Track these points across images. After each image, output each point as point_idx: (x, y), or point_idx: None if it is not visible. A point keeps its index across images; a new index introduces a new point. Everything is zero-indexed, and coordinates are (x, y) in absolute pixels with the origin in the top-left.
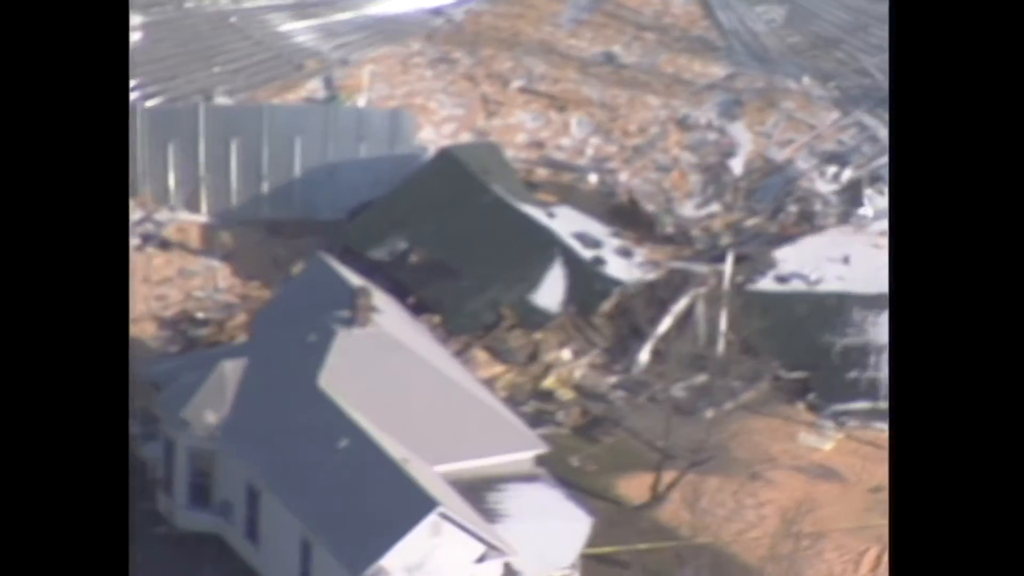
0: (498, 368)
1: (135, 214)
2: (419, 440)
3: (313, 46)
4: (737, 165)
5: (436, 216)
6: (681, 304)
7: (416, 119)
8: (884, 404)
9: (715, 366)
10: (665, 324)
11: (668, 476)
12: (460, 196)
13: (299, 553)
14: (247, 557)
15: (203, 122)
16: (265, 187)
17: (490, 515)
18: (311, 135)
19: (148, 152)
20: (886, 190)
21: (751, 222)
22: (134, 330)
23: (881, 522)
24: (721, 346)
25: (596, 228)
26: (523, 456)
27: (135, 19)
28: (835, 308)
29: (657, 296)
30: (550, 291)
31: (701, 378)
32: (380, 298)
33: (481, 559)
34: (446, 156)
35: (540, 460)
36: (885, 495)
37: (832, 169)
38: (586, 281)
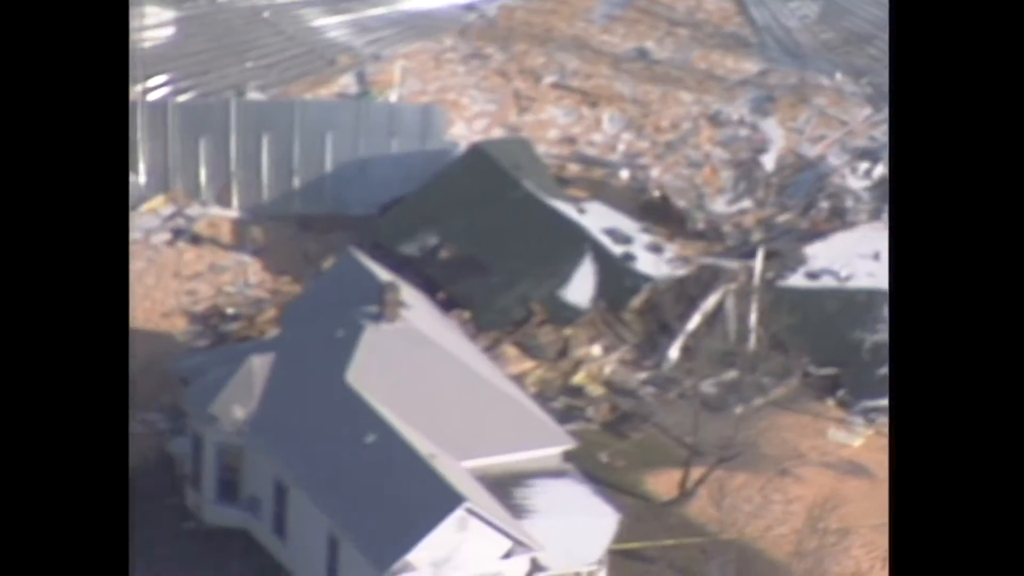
0: (528, 364)
1: (166, 209)
2: (446, 435)
3: (346, 41)
4: (769, 161)
5: (467, 212)
6: (711, 300)
7: (447, 115)
8: None
9: (745, 362)
10: (695, 320)
11: (696, 472)
12: (491, 192)
13: (326, 548)
14: (275, 552)
15: (235, 117)
16: (296, 182)
17: (517, 511)
18: (342, 130)
19: (180, 147)
20: None
21: (782, 218)
22: (164, 325)
23: None
24: (751, 342)
25: (627, 224)
26: (551, 452)
27: (168, 14)
28: (865, 304)
29: (687, 292)
30: (580, 287)
31: (731, 374)
32: (409, 293)
33: (508, 555)
34: (477, 152)
35: (568, 456)
36: None
37: (864, 165)
38: (616, 277)
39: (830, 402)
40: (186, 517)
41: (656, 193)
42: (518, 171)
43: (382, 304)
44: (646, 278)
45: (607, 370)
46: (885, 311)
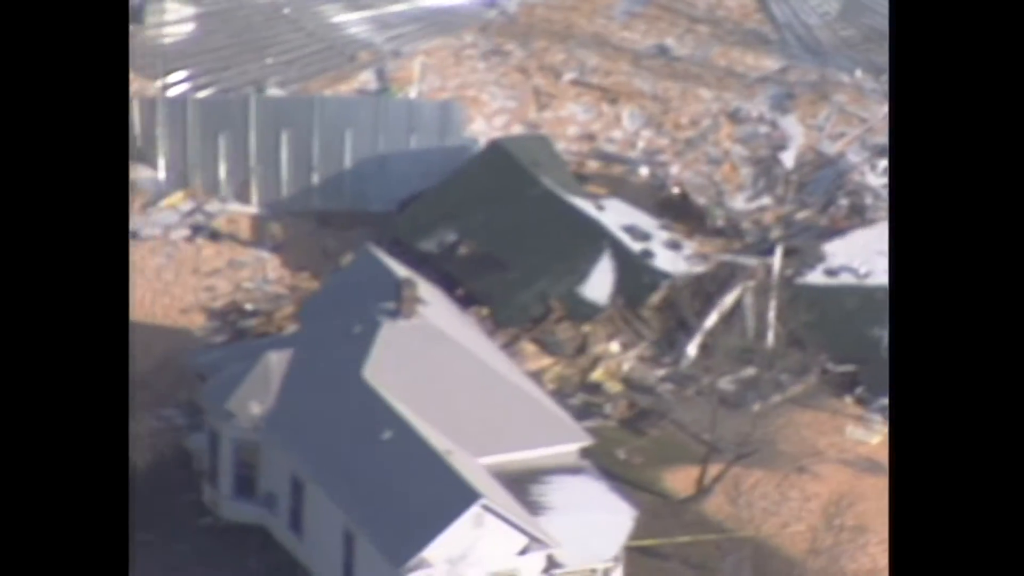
0: (546, 360)
1: (185, 204)
2: (463, 432)
3: (366, 37)
4: (788, 158)
5: (485, 208)
6: (730, 297)
7: (467, 111)
8: None
9: (763, 359)
10: (713, 317)
11: (714, 469)
12: (509, 188)
13: (342, 544)
14: (291, 548)
15: (254, 113)
16: (315, 178)
17: (534, 507)
18: (362, 126)
19: (199, 143)
20: None
21: (801, 215)
22: (183, 321)
23: None
24: (769, 339)
25: (645, 221)
26: (568, 448)
27: (188, 10)
28: (884, 302)
29: (705, 289)
30: (599, 284)
31: (749, 371)
32: (426, 290)
33: (524, 551)
34: (496, 148)
35: (586, 452)
36: None
37: (883, 162)
38: (635, 274)
39: (848, 399)
40: (203, 513)
41: (675, 190)
42: (537, 168)
43: (399, 300)
44: (664, 275)
45: (625, 367)
46: None
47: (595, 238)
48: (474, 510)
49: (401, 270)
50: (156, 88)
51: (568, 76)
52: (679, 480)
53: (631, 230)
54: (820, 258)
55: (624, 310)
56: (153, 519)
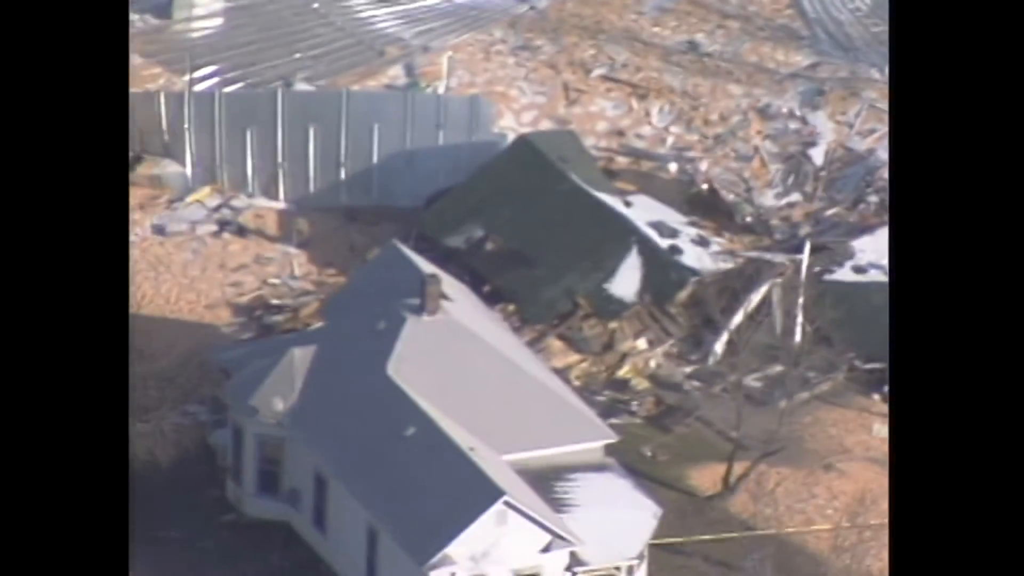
0: (573, 357)
1: (212, 200)
2: (487, 429)
3: (395, 32)
4: (818, 155)
5: (513, 204)
6: (757, 294)
7: (495, 106)
8: None
9: (789, 357)
10: (741, 315)
11: (740, 467)
12: (537, 184)
13: (365, 541)
14: (314, 545)
15: (281, 108)
16: (343, 174)
17: (558, 504)
18: (390, 122)
19: (227, 138)
20: None
21: (830, 212)
22: (209, 316)
23: None
24: (797, 337)
25: (673, 217)
26: (593, 445)
27: (217, 4)
28: None
29: (733, 286)
30: (626, 280)
31: (776, 369)
32: (452, 286)
33: (547, 548)
34: (523, 143)
35: (612, 450)
36: None
37: None
38: (662, 270)
39: (875, 397)
40: (227, 509)
41: (704, 186)
42: (565, 163)
43: (424, 296)
44: (692, 272)
45: (652, 364)
46: None
47: (623, 234)
48: (497, 507)
49: (426, 266)
50: (184, 83)
51: (597, 71)
52: (705, 477)
53: (659, 226)
54: (849, 255)
55: (651, 307)
56: (177, 515)
